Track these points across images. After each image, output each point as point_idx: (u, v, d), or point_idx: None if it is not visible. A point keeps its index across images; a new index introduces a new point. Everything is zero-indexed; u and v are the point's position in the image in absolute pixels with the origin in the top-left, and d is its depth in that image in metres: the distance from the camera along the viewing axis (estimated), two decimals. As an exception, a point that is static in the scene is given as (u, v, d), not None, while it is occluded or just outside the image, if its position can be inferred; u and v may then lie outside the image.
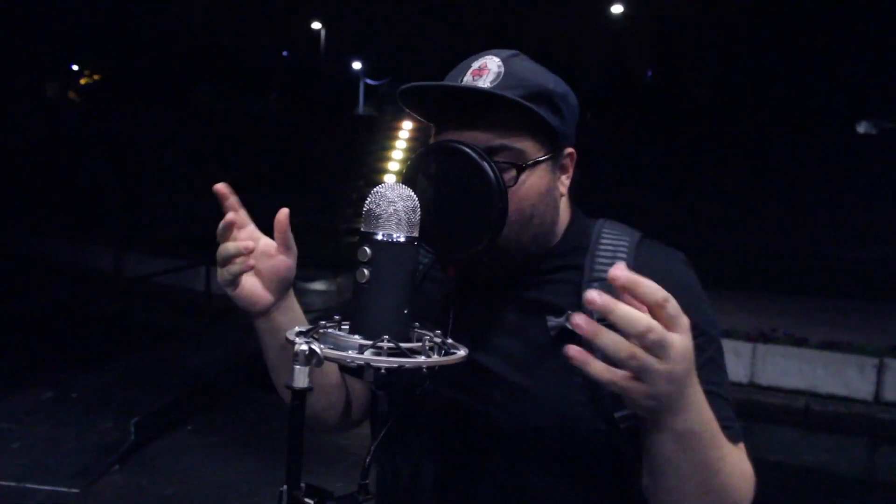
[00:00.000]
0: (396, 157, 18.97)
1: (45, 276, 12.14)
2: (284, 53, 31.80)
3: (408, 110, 1.06)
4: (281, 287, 1.04)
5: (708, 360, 1.01)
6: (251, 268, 1.00)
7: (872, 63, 20.73)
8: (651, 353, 0.75)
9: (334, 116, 23.18)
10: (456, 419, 1.05)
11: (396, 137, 19.68)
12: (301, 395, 0.78)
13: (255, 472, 4.63)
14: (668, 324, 0.75)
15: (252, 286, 1.02)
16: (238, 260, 0.99)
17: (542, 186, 1.02)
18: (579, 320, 0.74)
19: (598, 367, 0.76)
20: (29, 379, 5.86)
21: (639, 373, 0.76)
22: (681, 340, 0.76)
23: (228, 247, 0.98)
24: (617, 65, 24.47)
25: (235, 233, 1.00)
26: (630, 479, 0.99)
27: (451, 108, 1.02)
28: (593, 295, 0.73)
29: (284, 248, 1.02)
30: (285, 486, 0.80)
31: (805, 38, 20.67)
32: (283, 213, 1.00)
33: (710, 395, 0.93)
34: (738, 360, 7.54)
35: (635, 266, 0.99)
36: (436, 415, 1.07)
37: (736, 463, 0.94)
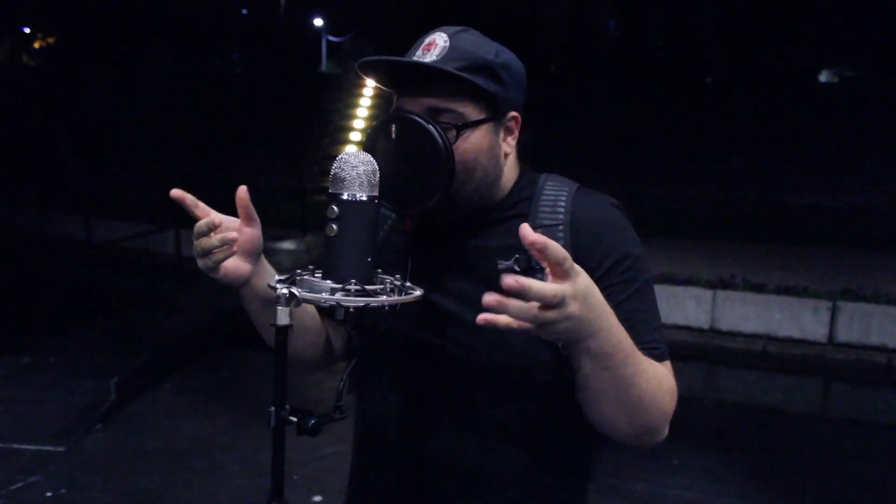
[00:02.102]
0: (361, 115, 18.85)
1: (13, 245, 12.05)
2: (244, 11, 31.22)
3: (368, 78, 1.19)
4: (254, 255, 1.15)
5: (636, 290, 1.16)
6: (234, 252, 1.12)
7: (834, 11, 20.86)
8: (549, 309, 0.90)
9: (297, 75, 22.93)
10: (418, 355, 1.20)
11: (361, 95, 19.56)
12: (284, 331, 0.94)
13: (233, 426, 4.76)
14: (566, 275, 0.91)
15: (232, 265, 1.12)
16: (222, 249, 1.10)
17: (484, 144, 1.16)
18: (489, 298, 0.88)
19: (506, 321, 0.90)
20: (6, 345, 5.91)
21: (537, 323, 0.91)
22: (572, 287, 0.92)
23: (212, 241, 1.08)
24: (578, 17, 24.39)
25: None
26: (570, 397, 1.14)
27: (404, 79, 1.16)
28: (509, 280, 0.88)
29: (249, 220, 1.12)
30: (273, 408, 0.95)
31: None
32: (243, 189, 1.11)
33: (635, 320, 1.11)
34: (699, 306, 7.77)
35: (573, 211, 1.17)
36: (401, 352, 1.21)
37: (652, 378, 1.09)
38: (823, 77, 24.19)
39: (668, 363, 1.17)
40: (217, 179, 13.05)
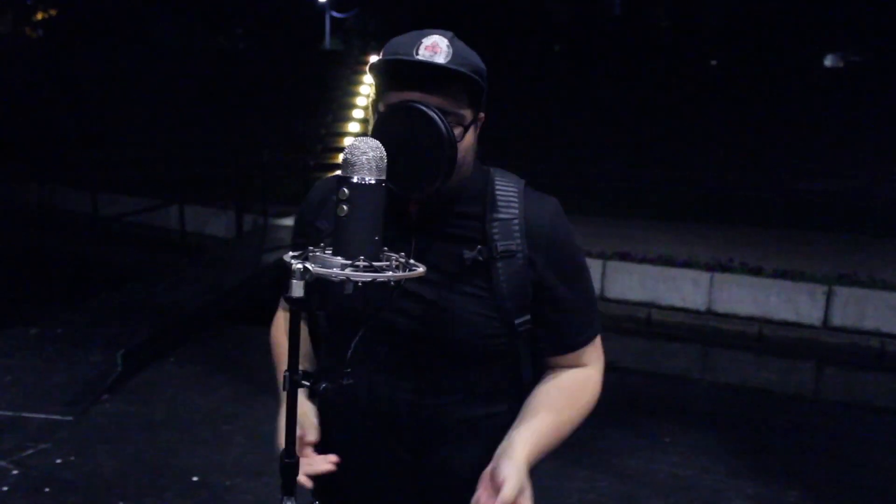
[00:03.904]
0: (364, 92, 18.79)
1: (20, 219, 12.14)
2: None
3: (372, 76, 1.29)
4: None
5: (577, 286, 1.38)
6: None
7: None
8: None
9: (301, 51, 22.86)
10: (394, 335, 1.32)
11: (364, 72, 19.50)
12: (298, 302, 1.02)
13: (236, 397, 4.86)
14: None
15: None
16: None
17: (471, 143, 1.29)
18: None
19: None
20: (14, 317, 6.01)
21: None
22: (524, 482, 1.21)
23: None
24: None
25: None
26: (523, 369, 1.38)
27: (414, 76, 1.23)
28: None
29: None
30: (287, 372, 1.04)
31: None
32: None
33: (575, 312, 1.36)
34: (697, 289, 7.86)
35: (526, 210, 1.33)
36: (378, 333, 1.31)
37: (578, 409, 1.38)
38: (828, 62, 24.09)
39: (596, 340, 1.42)
40: (220, 154, 13.13)
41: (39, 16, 32.20)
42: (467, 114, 1.25)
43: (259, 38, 27.55)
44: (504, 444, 1.27)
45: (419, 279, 1.17)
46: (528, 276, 1.31)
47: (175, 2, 26.64)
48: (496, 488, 1.18)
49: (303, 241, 1.34)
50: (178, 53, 22.41)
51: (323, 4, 27.48)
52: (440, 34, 1.25)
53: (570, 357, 1.40)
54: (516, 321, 1.31)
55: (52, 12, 31.42)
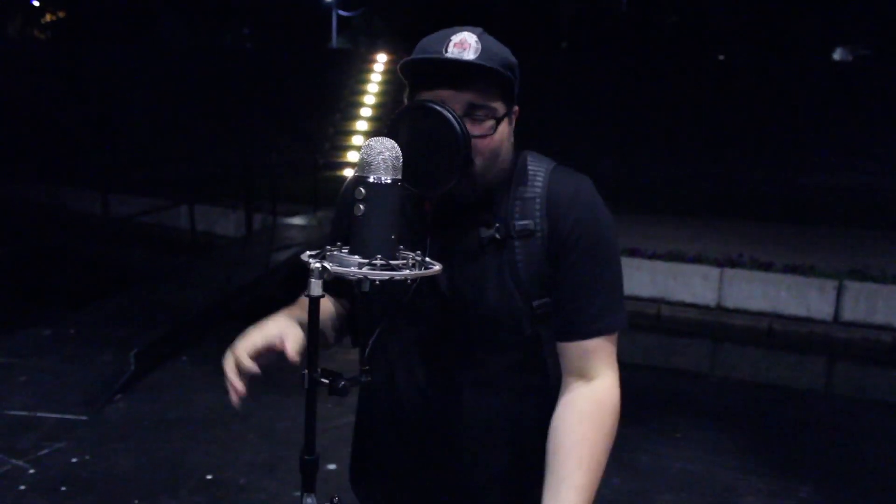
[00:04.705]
0: (372, 91, 18.86)
1: (25, 220, 12.19)
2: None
3: (402, 75, 1.30)
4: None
5: (598, 265, 1.31)
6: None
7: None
8: None
9: (308, 50, 22.91)
10: (413, 326, 1.33)
11: (371, 70, 19.56)
12: (316, 301, 1.04)
13: (248, 396, 4.88)
14: None
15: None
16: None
17: (506, 134, 1.30)
18: None
19: None
20: (27, 318, 6.04)
21: None
22: None
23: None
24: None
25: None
26: (544, 352, 1.34)
27: (444, 74, 1.25)
28: None
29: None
30: (306, 370, 1.06)
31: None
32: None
33: (592, 296, 1.29)
34: (707, 284, 7.86)
35: (549, 186, 1.31)
36: (397, 326, 1.33)
37: (606, 443, 1.32)
38: (837, 55, 23.98)
39: (613, 337, 1.33)
40: (229, 154, 13.18)
41: (48, 17, 32.34)
42: (499, 107, 1.26)
43: (266, 37, 27.62)
44: None
45: (450, 267, 1.18)
46: (548, 255, 1.29)
47: (182, 2, 26.72)
48: None
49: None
50: (186, 53, 22.48)
51: (329, 3, 27.48)
52: (469, 30, 1.26)
53: (579, 348, 1.31)
54: (535, 303, 1.29)
55: (61, 14, 31.56)
